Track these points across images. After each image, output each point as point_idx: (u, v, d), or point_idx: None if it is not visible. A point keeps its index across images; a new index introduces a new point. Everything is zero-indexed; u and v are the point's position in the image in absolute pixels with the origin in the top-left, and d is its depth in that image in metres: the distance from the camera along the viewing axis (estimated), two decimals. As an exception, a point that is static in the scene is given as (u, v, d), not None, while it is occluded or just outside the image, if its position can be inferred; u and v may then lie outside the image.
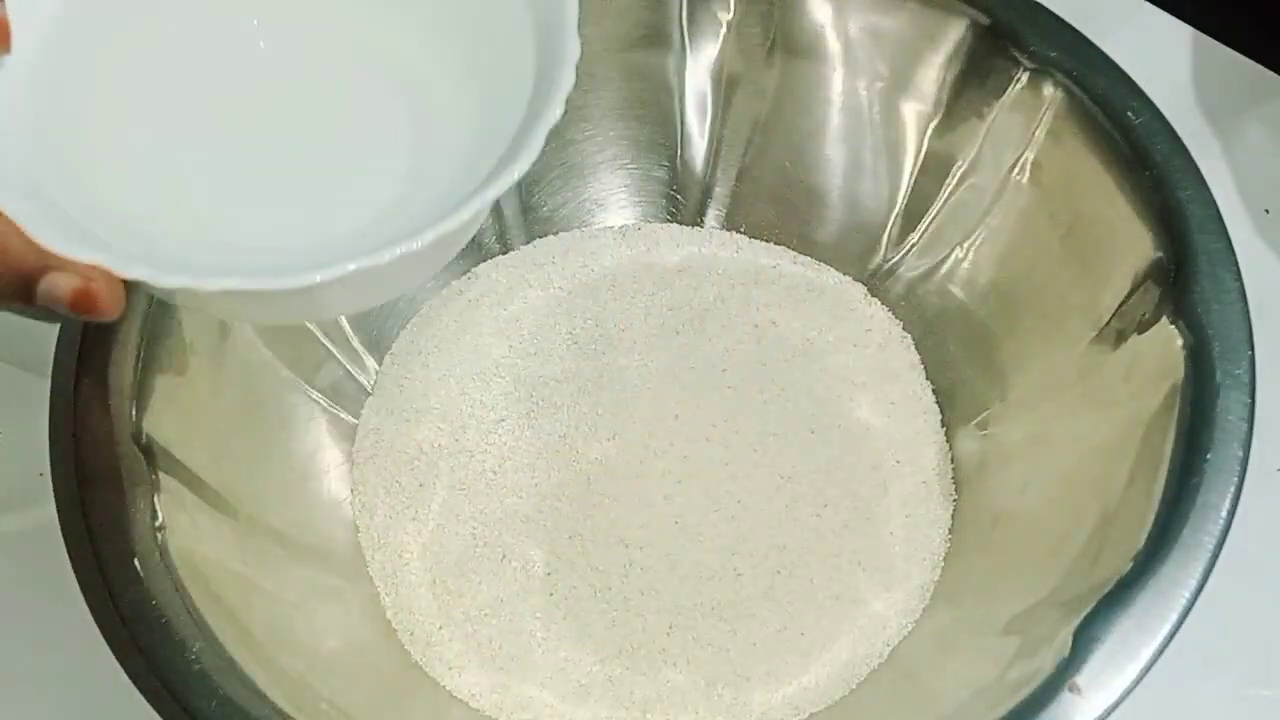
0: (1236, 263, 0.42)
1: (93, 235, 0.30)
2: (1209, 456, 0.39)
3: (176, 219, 0.35)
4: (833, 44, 0.51)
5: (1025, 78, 0.47)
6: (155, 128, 0.36)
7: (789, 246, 0.55)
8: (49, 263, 0.28)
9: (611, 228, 0.56)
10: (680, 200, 0.56)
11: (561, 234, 0.56)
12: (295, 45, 0.38)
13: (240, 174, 0.36)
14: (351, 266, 0.29)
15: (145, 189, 0.35)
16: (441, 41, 0.37)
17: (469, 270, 0.55)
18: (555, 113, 0.32)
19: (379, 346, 0.53)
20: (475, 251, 0.55)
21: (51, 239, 0.28)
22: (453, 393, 0.52)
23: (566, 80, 0.32)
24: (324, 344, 0.51)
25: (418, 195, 0.35)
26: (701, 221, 0.56)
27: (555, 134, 0.32)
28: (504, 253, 0.56)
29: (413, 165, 0.36)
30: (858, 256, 0.54)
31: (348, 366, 0.52)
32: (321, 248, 0.34)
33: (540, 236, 0.56)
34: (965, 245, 0.52)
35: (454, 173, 0.35)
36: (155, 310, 0.44)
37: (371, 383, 0.53)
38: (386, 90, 0.37)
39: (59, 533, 0.41)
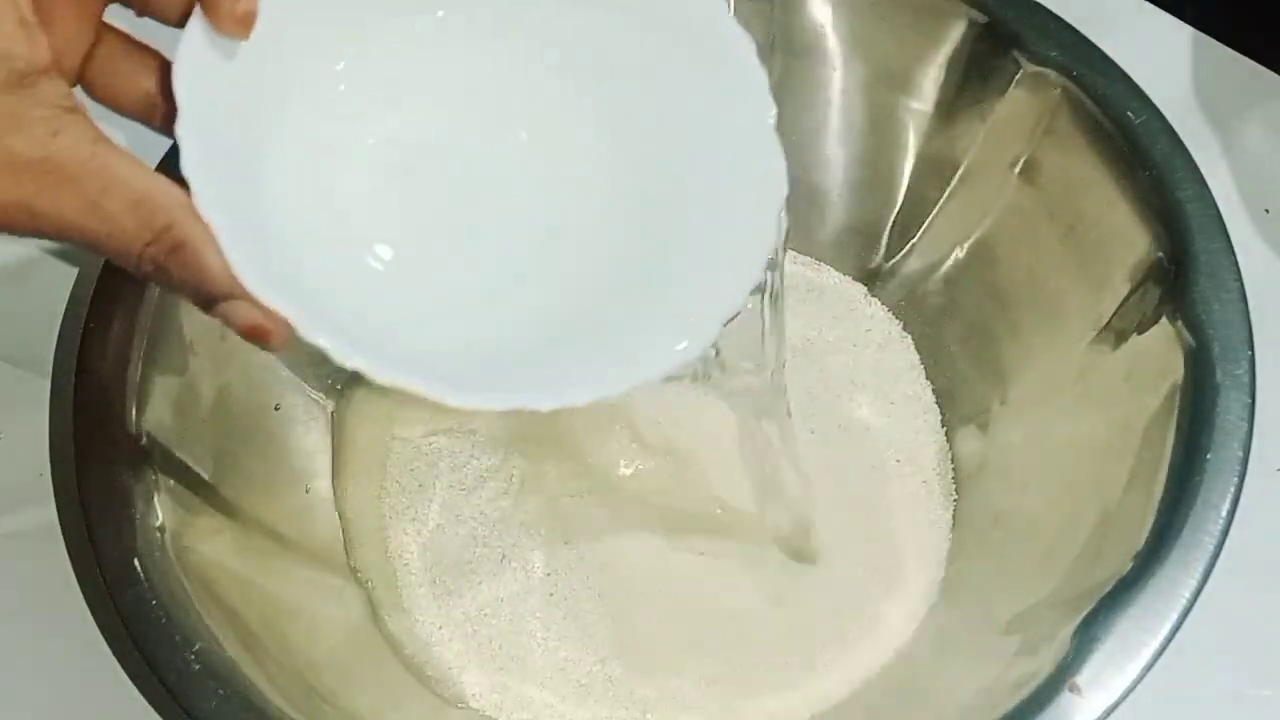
0: (1236, 263, 0.42)
1: (286, 282, 0.31)
2: (1209, 456, 0.39)
3: (358, 284, 0.34)
4: (832, 43, 0.51)
5: (1025, 78, 0.47)
6: (358, 180, 0.36)
7: (787, 247, 0.55)
8: (235, 291, 0.30)
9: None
10: (680, 200, 0.56)
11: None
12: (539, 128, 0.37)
13: (433, 253, 0.36)
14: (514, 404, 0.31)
15: (332, 241, 0.35)
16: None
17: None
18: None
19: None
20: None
21: (252, 280, 0.29)
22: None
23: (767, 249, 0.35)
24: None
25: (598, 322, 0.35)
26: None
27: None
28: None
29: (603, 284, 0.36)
30: (857, 256, 0.54)
31: (347, 365, 0.52)
32: (495, 364, 0.34)
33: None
34: (965, 245, 0.52)
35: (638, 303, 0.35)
36: (155, 311, 0.44)
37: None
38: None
39: (59, 533, 0.41)
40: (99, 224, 0.29)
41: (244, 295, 0.30)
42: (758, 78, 0.35)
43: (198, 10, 0.31)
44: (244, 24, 0.31)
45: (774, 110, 0.35)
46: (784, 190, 0.35)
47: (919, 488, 0.50)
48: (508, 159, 0.37)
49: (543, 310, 0.36)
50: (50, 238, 0.30)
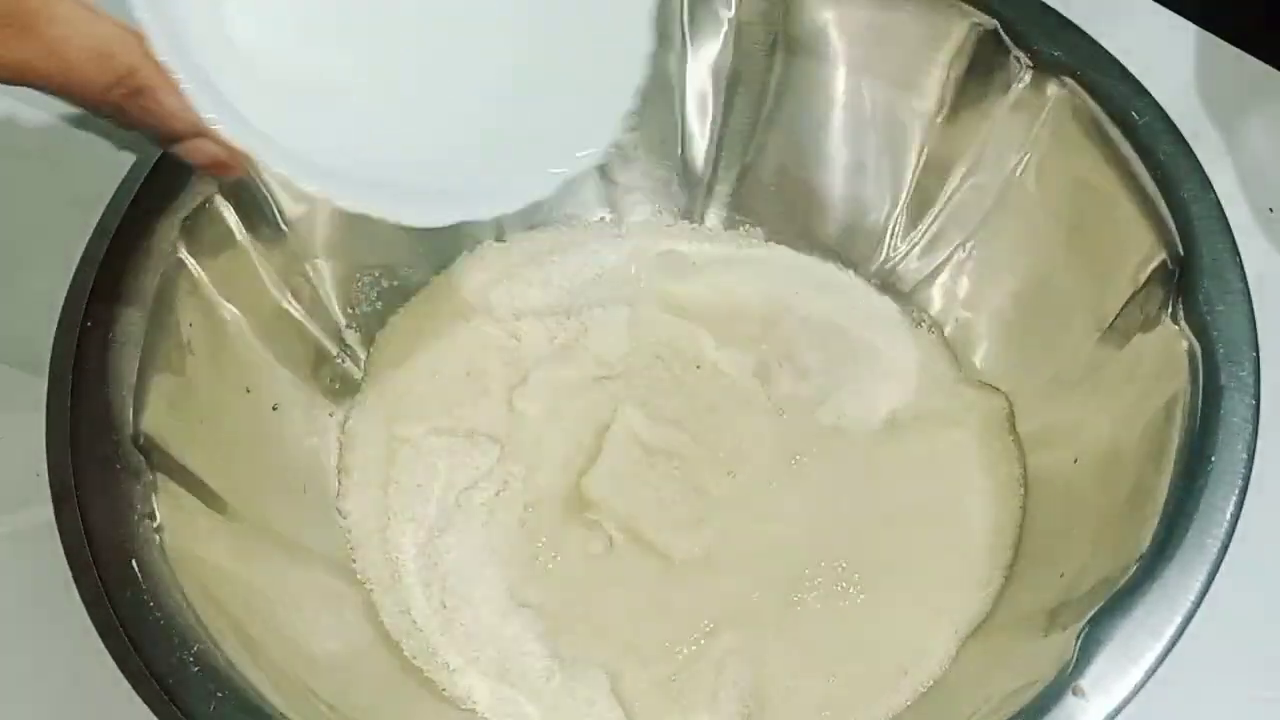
0: (1241, 263, 0.42)
1: (243, 116, 0.33)
2: (1213, 459, 0.39)
3: (305, 113, 0.37)
4: (835, 42, 0.51)
5: (1029, 77, 0.47)
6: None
7: (790, 246, 0.55)
8: (196, 129, 0.32)
9: (612, 225, 0.56)
10: (682, 199, 0.56)
11: (561, 228, 0.56)
12: None
13: (371, 85, 0.39)
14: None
15: (281, 75, 0.37)
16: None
17: (462, 258, 0.55)
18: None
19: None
20: (469, 242, 0.55)
21: (213, 117, 0.31)
22: (450, 390, 0.52)
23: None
24: (323, 343, 0.51)
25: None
26: (703, 220, 0.56)
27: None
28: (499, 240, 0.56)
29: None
30: (860, 255, 0.54)
31: (346, 366, 0.52)
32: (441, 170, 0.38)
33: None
34: (968, 245, 0.52)
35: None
36: (153, 311, 0.44)
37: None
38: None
39: (57, 533, 0.41)
40: (60, 70, 0.30)
41: (204, 132, 0.31)
42: None
43: None
44: None
45: None
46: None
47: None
48: None
49: (468, 130, 0.39)
50: (12, 82, 0.31)
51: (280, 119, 0.34)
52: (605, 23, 0.39)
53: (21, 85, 0.31)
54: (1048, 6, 0.47)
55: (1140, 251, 0.44)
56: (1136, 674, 0.37)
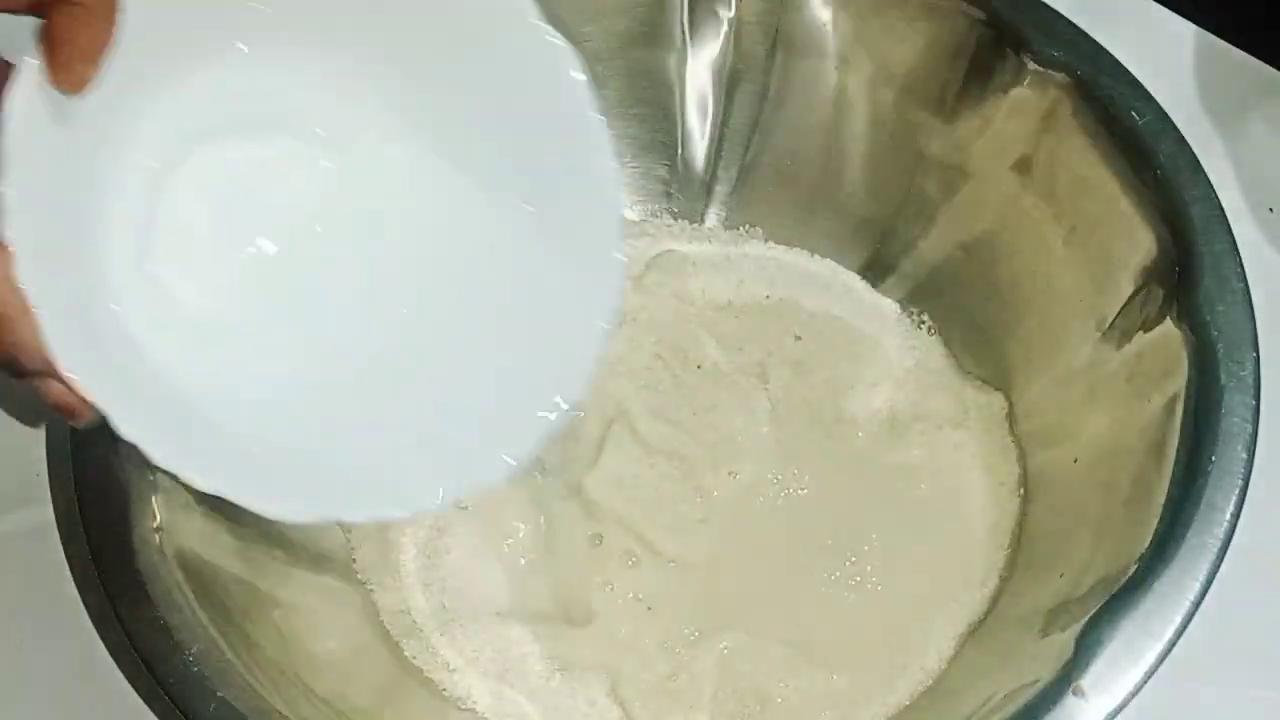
0: (1241, 263, 0.42)
1: (106, 364, 0.30)
2: (1213, 458, 0.39)
3: (186, 368, 0.33)
4: (834, 42, 0.51)
5: (1028, 77, 0.47)
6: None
7: (790, 245, 0.55)
8: (47, 369, 0.28)
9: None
10: (681, 199, 0.56)
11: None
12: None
13: (266, 339, 0.35)
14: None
15: (163, 322, 0.33)
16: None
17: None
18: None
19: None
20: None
21: (66, 364, 0.28)
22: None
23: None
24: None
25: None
26: (703, 220, 0.56)
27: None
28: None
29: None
30: (860, 255, 0.54)
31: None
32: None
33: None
34: (967, 245, 0.52)
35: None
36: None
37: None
38: None
39: (58, 534, 0.41)
40: None
41: (56, 375, 0.28)
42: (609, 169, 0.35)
43: (37, 49, 0.28)
44: (79, 84, 0.29)
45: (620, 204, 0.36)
46: (615, 311, 0.35)
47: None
48: (346, 243, 0.36)
49: (372, 416, 0.35)
50: None
51: (148, 380, 0.32)
52: (559, 312, 0.36)
53: None
54: (1048, 6, 0.47)
55: (1140, 251, 0.44)
56: (1136, 674, 0.37)
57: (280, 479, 0.33)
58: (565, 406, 0.35)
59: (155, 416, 0.30)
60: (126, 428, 0.29)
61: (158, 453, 0.29)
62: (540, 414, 0.35)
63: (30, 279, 0.27)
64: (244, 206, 0.35)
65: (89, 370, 0.28)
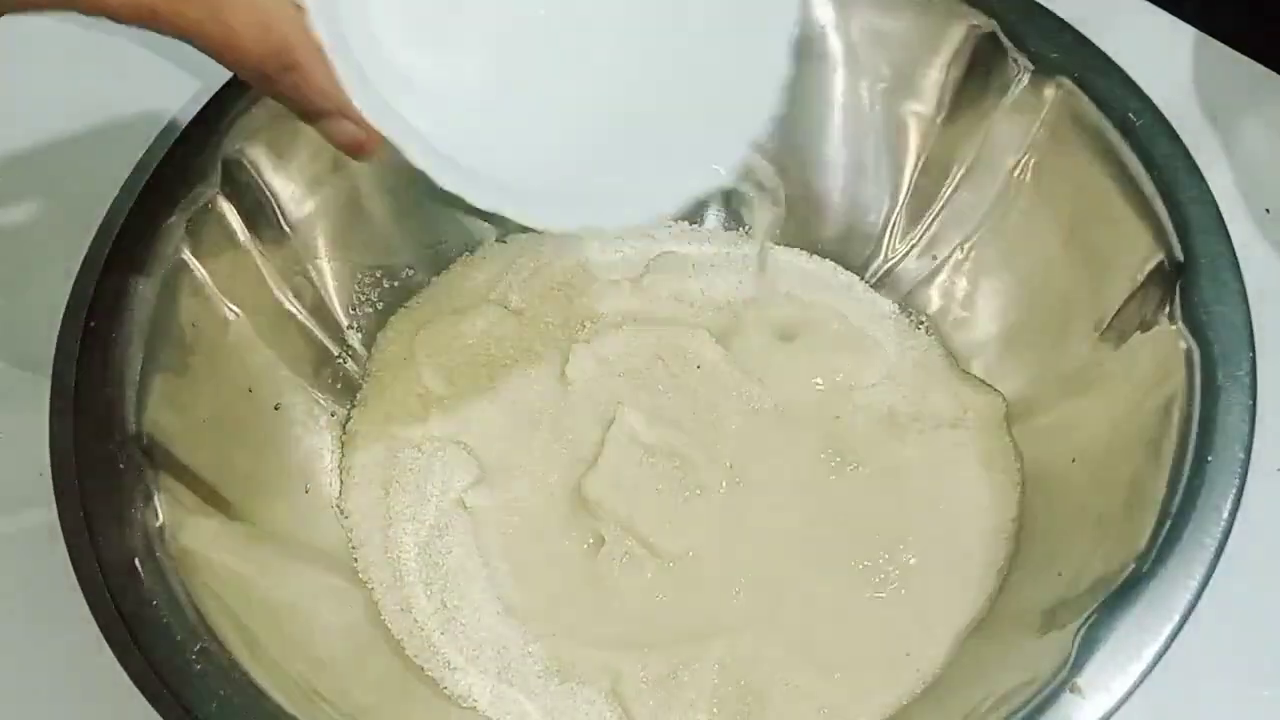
0: (1237, 264, 0.42)
1: (387, 101, 0.33)
2: (1210, 458, 0.39)
3: (451, 105, 0.37)
4: (834, 45, 0.51)
5: (1026, 79, 0.47)
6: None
7: (789, 246, 0.55)
8: (339, 109, 0.33)
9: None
10: (681, 200, 0.56)
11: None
12: None
13: (513, 83, 0.39)
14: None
15: (430, 66, 0.37)
16: None
17: (463, 258, 0.55)
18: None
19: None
20: (469, 243, 0.55)
21: (362, 102, 0.32)
22: (448, 390, 0.52)
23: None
24: (325, 343, 0.51)
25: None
26: (702, 221, 0.56)
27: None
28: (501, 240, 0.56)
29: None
30: (859, 256, 0.54)
31: (348, 366, 0.52)
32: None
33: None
34: (966, 246, 0.52)
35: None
36: (156, 311, 0.44)
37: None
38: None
39: (59, 533, 0.41)
40: (219, 32, 0.31)
41: (347, 114, 0.32)
42: None
43: None
44: None
45: None
46: (794, 16, 0.40)
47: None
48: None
49: (599, 137, 0.39)
50: (169, 35, 0.31)
51: (417, 114, 0.35)
52: (746, 43, 0.40)
53: (186, 42, 0.32)
54: (1046, 9, 0.48)
55: (1138, 252, 0.44)
56: (1134, 672, 0.37)
57: (543, 198, 0.37)
58: (762, 124, 0.39)
59: (433, 149, 0.34)
60: (415, 156, 0.33)
61: (445, 178, 0.33)
62: (739, 132, 0.39)
63: (326, 29, 0.32)
64: None
65: (377, 108, 0.33)
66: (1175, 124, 0.45)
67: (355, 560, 0.49)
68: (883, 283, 0.54)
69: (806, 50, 0.51)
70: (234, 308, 0.47)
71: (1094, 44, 0.47)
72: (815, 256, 0.55)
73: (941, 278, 0.53)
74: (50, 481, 0.42)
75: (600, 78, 0.40)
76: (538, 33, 0.40)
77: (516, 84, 0.39)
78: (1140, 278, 0.44)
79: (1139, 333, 0.44)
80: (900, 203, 0.53)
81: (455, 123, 0.37)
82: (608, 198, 0.38)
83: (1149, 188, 0.44)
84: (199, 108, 0.47)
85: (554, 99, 0.40)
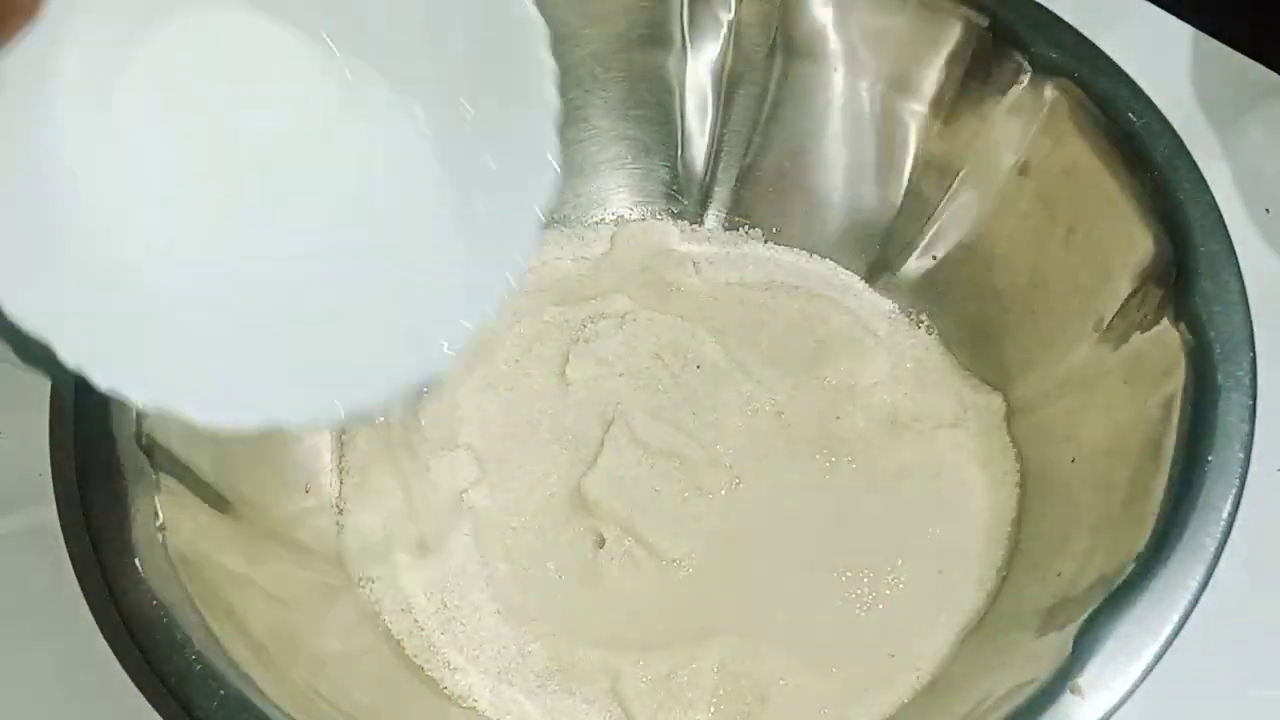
0: (1237, 264, 0.42)
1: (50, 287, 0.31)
2: (1210, 458, 0.39)
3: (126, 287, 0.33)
4: (834, 44, 0.51)
5: (1026, 79, 0.47)
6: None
7: (789, 246, 0.55)
8: None
9: (611, 225, 0.56)
10: (681, 200, 0.56)
11: (560, 228, 0.56)
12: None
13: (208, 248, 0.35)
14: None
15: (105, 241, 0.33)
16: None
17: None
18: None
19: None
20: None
21: (9, 302, 0.29)
22: (447, 389, 0.52)
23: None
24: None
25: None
26: (702, 221, 0.56)
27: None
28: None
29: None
30: (859, 256, 0.55)
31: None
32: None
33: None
34: (965, 246, 0.52)
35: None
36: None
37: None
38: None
39: (59, 533, 0.41)
40: None
41: None
42: (546, 68, 0.34)
43: None
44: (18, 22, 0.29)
45: (557, 103, 0.34)
46: (552, 187, 0.34)
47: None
48: (285, 147, 0.36)
49: (307, 315, 0.35)
50: None
51: (94, 289, 0.32)
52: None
53: None
54: (1045, 8, 0.48)
55: (1137, 252, 0.44)
56: (1134, 672, 0.37)
57: (217, 386, 0.33)
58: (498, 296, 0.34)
59: (95, 334, 0.31)
60: (74, 360, 0.30)
61: (102, 379, 0.31)
62: (477, 304, 0.34)
63: None
64: (203, 79, 0.35)
65: (32, 310, 0.29)
66: (1176, 124, 0.45)
67: (355, 560, 0.49)
68: (883, 283, 0.54)
69: (807, 50, 0.51)
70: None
71: (1094, 44, 0.47)
72: (815, 256, 0.55)
73: (941, 277, 0.53)
74: (50, 481, 0.42)
75: (296, 260, 0.35)
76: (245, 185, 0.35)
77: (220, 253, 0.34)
78: (1140, 277, 0.44)
79: (1139, 333, 0.44)
80: (900, 203, 0.53)
81: (143, 304, 0.33)
82: (300, 386, 0.34)
83: (1149, 187, 0.44)
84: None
85: (253, 250, 0.35)
